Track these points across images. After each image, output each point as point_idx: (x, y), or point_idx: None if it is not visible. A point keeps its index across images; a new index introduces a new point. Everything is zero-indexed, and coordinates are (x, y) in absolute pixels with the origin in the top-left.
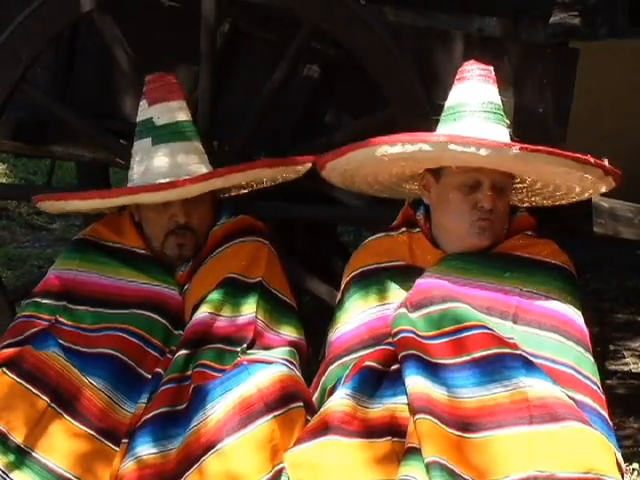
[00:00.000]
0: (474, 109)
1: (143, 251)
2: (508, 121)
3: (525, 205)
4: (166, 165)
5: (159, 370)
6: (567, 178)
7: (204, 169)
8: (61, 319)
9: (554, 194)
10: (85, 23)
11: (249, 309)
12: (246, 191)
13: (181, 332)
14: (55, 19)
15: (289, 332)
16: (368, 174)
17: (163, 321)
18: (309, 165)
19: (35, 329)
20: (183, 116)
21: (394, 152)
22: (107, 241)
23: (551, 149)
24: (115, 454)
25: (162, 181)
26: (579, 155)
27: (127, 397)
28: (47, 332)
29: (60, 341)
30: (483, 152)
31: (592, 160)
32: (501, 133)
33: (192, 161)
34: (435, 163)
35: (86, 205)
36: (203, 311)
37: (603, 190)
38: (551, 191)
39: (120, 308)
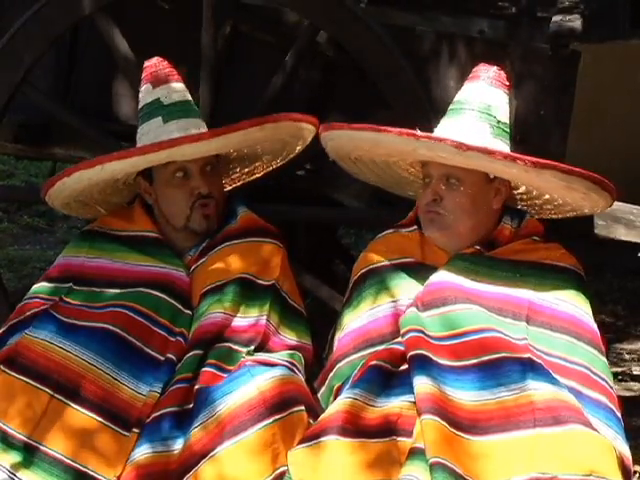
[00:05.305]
0: (468, 107)
1: (153, 234)
2: (500, 124)
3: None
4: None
5: (171, 356)
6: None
7: None
8: (66, 299)
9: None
10: (86, 25)
11: (261, 311)
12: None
13: (190, 312)
14: (56, 21)
15: (297, 337)
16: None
17: (171, 300)
18: (313, 129)
19: (36, 309)
20: (188, 96)
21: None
22: (115, 230)
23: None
24: (123, 437)
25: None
26: (458, 142)
27: (135, 377)
28: (48, 312)
29: (60, 317)
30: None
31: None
32: (481, 133)
33: None
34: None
35: (125, 166)
36: (215, 310)
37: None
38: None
39: (127, 287)
